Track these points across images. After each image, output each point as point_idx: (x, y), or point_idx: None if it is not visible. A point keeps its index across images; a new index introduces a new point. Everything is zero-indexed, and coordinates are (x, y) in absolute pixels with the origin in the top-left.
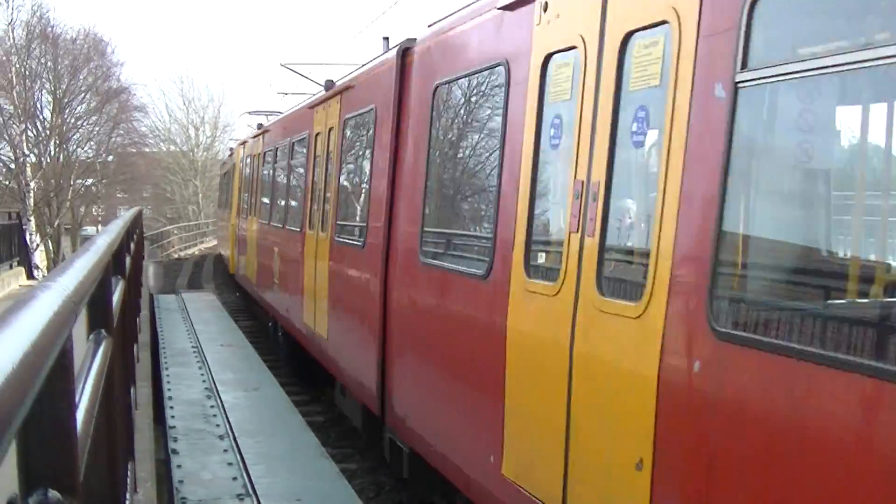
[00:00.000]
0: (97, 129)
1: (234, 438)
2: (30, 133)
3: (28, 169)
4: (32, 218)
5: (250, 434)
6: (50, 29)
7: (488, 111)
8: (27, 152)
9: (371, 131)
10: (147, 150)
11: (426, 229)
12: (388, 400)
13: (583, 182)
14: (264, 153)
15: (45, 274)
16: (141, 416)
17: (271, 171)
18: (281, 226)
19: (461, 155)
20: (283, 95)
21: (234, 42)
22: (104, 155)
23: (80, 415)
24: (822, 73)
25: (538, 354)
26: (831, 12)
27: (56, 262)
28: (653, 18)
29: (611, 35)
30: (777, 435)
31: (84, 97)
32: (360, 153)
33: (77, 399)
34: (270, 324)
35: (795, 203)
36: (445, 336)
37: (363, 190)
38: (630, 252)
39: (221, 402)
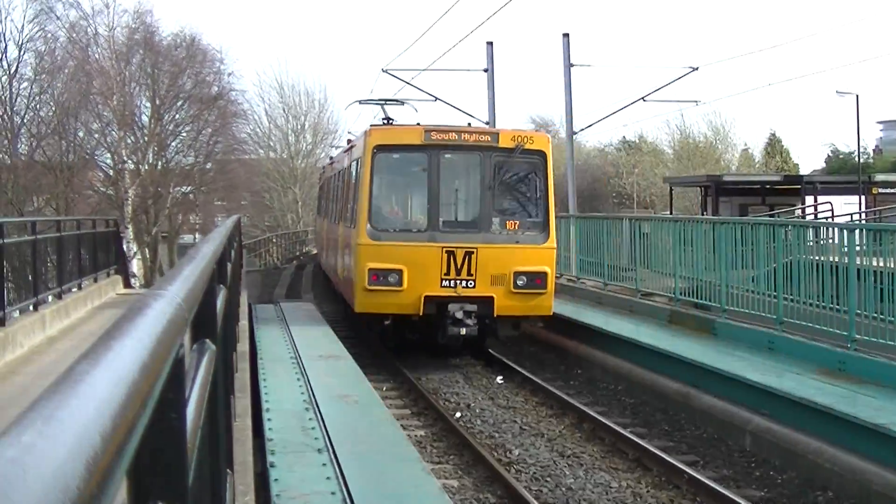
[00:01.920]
0: (197, 136)
1: (333, 451)
2: (128, 140)
3: (126, 176)
4: (130, 226)
5: (350, 447)
6: (150, 34)
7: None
8: (125, 159)
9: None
10: (246, 156)
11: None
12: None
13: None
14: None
15: (142, 283)
16: (240, 427)
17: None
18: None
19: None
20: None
21: (337, 49)
22: (202, 162)
23: (188, 425)
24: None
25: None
26: None
27: (153, 270)
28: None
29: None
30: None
31: (183, 104)
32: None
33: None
34: None
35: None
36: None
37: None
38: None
39: (320, 414)
